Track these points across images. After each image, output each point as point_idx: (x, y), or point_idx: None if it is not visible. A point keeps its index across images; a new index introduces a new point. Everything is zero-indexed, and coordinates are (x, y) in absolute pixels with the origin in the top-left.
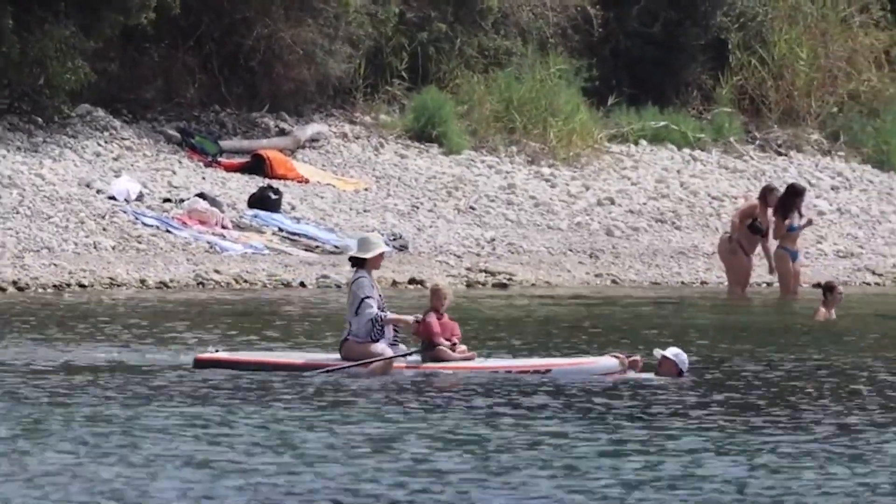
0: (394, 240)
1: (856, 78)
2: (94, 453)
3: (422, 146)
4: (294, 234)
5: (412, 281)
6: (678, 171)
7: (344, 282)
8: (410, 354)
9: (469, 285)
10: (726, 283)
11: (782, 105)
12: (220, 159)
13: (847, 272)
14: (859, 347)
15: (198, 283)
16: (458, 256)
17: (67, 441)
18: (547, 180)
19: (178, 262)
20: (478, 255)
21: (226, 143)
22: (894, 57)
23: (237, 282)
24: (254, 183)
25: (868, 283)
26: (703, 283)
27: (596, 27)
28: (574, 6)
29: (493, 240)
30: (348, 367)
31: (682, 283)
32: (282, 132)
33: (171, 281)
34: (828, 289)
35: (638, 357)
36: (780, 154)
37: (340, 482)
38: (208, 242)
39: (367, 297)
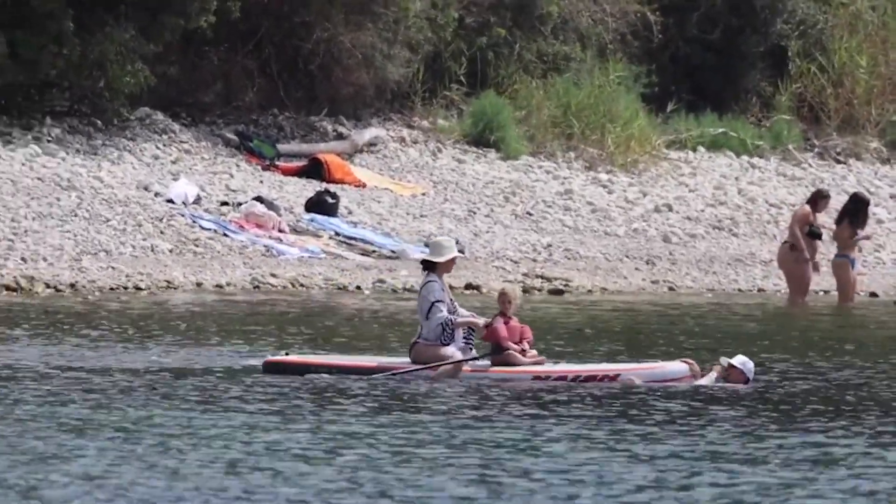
0: None
1: None
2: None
3: (479, 151)
4: (351, 238)
5: (468, 286)
6: (736, 179)
7: (401, 286)
8: (480, 358)
9: (525, 291)
10: (786, 292)
11: (841, 113)
12: (277, 163)
13: None
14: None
15: (254, 287)
16: (515, 262)
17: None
18: (604, 186)
19: (234, 266)
20: (534, 260)
21: (283, 147)
22: None
23: (293, 285)
24: (311, 187)
25: None
26: (760, 290)
27: (655, 33)
28: (634, 12)
29: (550, 245)
30: (418, 369)
31: (739, 290)
32: (339, 136)
33: (228, 284)
34: None
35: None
36: (838, 162)
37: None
38: (265, 246)
39: (438, 301)
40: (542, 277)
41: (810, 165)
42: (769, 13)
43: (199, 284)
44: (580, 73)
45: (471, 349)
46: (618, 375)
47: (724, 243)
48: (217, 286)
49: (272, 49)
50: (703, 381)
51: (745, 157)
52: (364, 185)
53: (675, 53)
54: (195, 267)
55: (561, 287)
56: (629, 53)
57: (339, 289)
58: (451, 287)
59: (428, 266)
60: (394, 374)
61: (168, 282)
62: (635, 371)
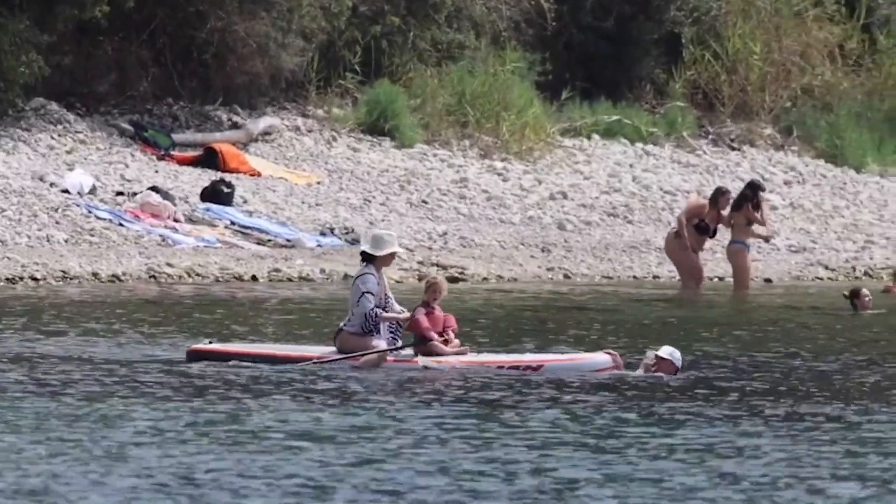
0: (346, 233)
1: (809, 72)
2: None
3: (374, 140)
4: (246, 227)
5: None
6: (631, 166)
7: (296, 275)
8: (403, 348)
9: (421, 279)
10: (679, 279)
11: (735, 100)
12: (172, 153)
13: (799, 267)
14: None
15: (150, 277)
16: (411, 250)
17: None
18: (499, 174)
19: (130, 256)
20: (430, 248)
21: (178, 137)
22: (848, 51)
23: (189, 275)
24: (206, 176)
25: (821, 278)
26: (655, 277)
27: (549, 21)
28: (528, 0)
29: (445, 233)
30: (342, 359)
31: (634, 277)
32: (234, 125)
33: (124, 274)
34: (853, 295)
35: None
36: (733, 149)
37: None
38: (161, 236)
39: (368, 293)
40: (437, 265)
41: (704, 152)
42: (663, 1)
43: (95, 275)
44: (474, 62)
45: (395, 339)
46: (541, 366)
47: (619, 230)
48: (113, 276)
49: (166, 39)
50: (628, 372)
51: (639, 145)
52: (259, 175)
53: (570, 41)
54: (91, 257)
55: (456, 275)
56: (523, 41)
57: (235, 278)
58: (346, 276)
59: (367, 258)
60: (317, 363)
61: (64, 272)
62: (559, 362)
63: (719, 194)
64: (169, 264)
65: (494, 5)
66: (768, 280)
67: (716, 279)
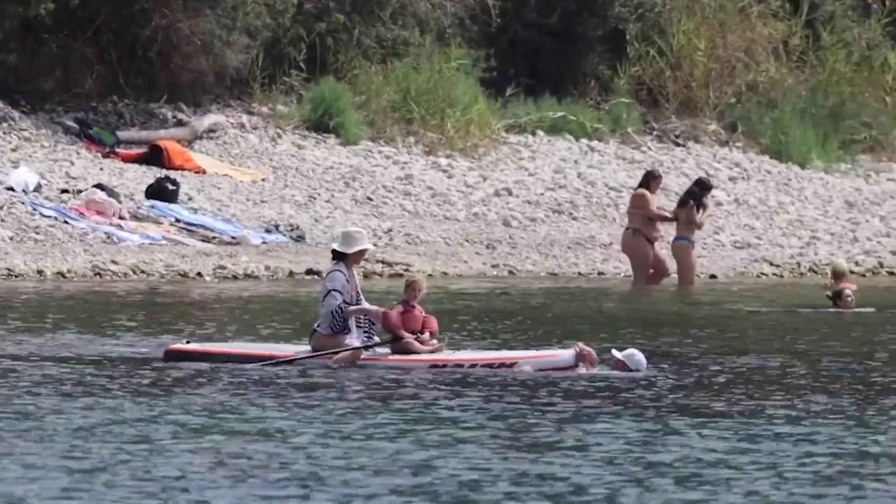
0: (291, 230)
1: (754, 68)
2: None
3: (319, 137)
4: (191, 224)
5: (309, 272)
6: (575, 162)
7: (241, 272)
8: (379, 346)
9: (366, 276)
10: (629, 275)
11: (680, 96)
12: (117, 150)
13: (744, 263)
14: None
15: (95, 274)
16: None
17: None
18: (444, 171)
19: (75, 253)
20: (375, 245)
21: (123, 134)
22: (792, 47)
23: (134, 272)
24: (151, 174)
25: (765, 274)
26: (600, 273)
27: (494, 18)
28: None
29: (391, 230)
30: (316, 356)
31: (580, 273)
32: (179, 123)
33: (69, 271)
34: (836, 295)
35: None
36: (677, 145)
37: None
38: (106, 233)
39: (335, 290)
40: (382, 262)
41: (649, 148)
42: None
43: (40, 272)
44: (419, 58)
45: (369, 338)
46: (514, 363)
47: (564, 227)
48: (58, 273)
49: (111, 36)
50: (589, 370)
51: (584, 141)
52: (204, 172)
53: (514, 37)
54: (36, 254)
55: (401, 272)
56: (468, 38)
57: (181, 275)
58: (291, 273)
59: (337, 256)
60: (292, 362)
61: (9, 269)
62: (530, 359)
63: (651, 177)
64: (114, 262)
65: (439, 2)
66: (713, 276)
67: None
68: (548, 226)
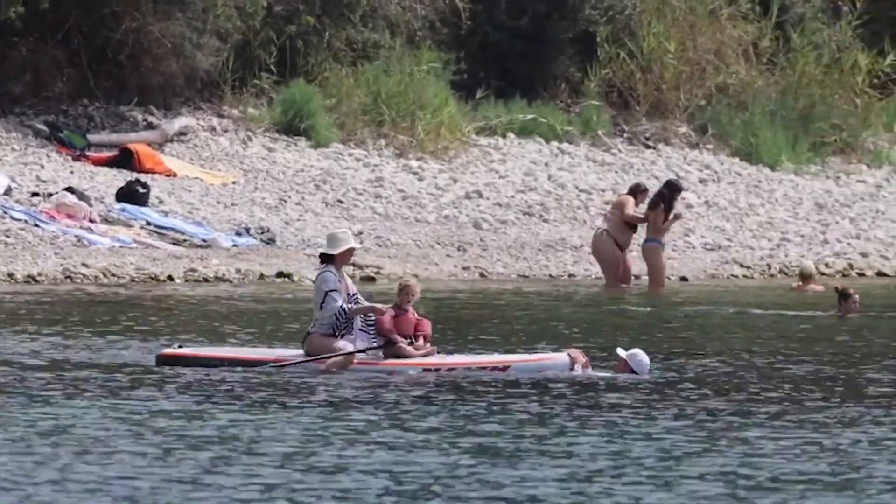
0: (261, 233)
1: (724, 71)
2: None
3: (290, 139)
4: (162, 227)
5: (280, 274)
6: (546, 164)
7: (212, 275)
8: (372, 349)
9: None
10: (598, 278)
11: (650, 98)
12: (88, 153)
13: (715, 265)
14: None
15: (66, 277)
16: None
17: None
18: (415, 173)
19: (46, 256)
20: (361, 243)
21: (94, 137)
22: (762, 49)
23: (105, 275)
24: (122, 177)
25: (736, 276)
26: (570, 275)
27: (464, 20)
28: None
29: (361, 233)
30: (308, 361)
31: (550, 276)
32: (150, 126)
33: (40, 275)
34: (843, 296)
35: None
36: (648, 147)
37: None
38: (76, 236)
39: (332, 291)
40: (353, 265)
41: (620, 151)
42: None
43: (10, 275)
44: (390, 61)
45: (375, 339)
46: (507, 367)
47: (535, 229)
48: (28, 276)
49: (81, 39)
50: (586, 372)
51: (554, 143)
52: (174, 175)
53: (484, 40)
54: (6, 258)
55: (372, 274)
56: (438, 40)
57: (151, 278)
58: (262, 276)
59: (324, 258)
60: (284, 366)
61: None
62: (525, 363)
63: (639, 190)
64: (85, 265)
65: (409, 5)
66: (684, 278)
67: (632, 277)
68: (518, 228)
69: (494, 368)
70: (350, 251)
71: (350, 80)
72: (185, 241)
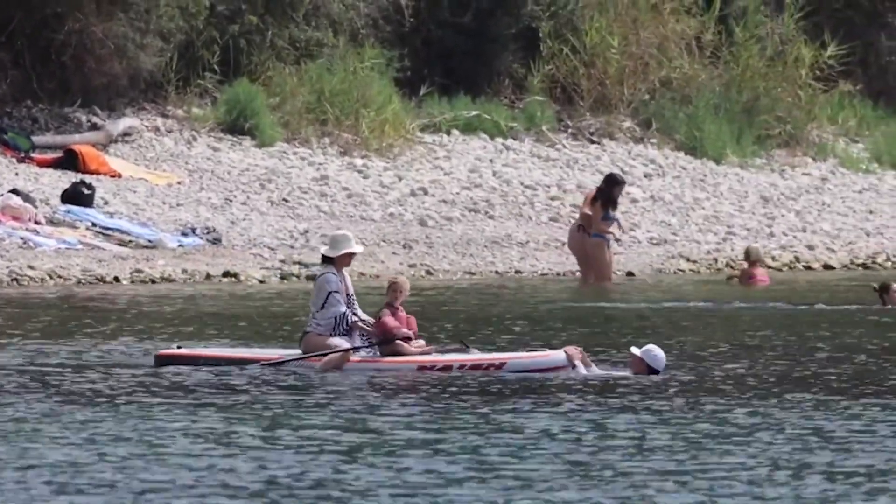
0: (207, 233)
1: (667, 65)
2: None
3: (234, 139)
4: (107, 228)
5: (226, 274)
6: (491, 161)
7: (158, 275)
8: (367, 348)
9: (283, 278)
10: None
11: (594, 93)
12: (32, 155)
13: (661, 259)
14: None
15: (12, 279)
16: (272, 249)
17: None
18: (360, 171)
19: None
20: (291, 247)
21: (38, 139)
22: (705, 43)
23: (51, 277)
24: (66, 178)
25: (682, 270)
26: (517, 272)
27: (407, 17)
28: None
29: (307, 231)
30: (303, 358)
31: (497, 272)
32: (94, 127)
33: None
34: (883, 289)
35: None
36: (592, 142)
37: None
38: (22, 238)
39: (335, 292)
40: (299, 264)
41: (564, 146)
42: None
43: None
44: (333, 59)
45: (370, 346)
46: (503, 364)
47: (481, 226)
48: None
49: (24, 41)
50: (591, 370)
51: (499, 140)
52: (119, 176)
53: (428, 37)
54: None
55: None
56: (381, 38)
57: (97, 279)
58: (209, 276)
59: (326, 260)
60: (281, 364)
61: None
62: (520, 360)
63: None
64: (31, 267)
65: (352, 3)
66: (630, 273)
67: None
68: (464, 225)
69: (490, 366)
70: (351, 255)
71: (294, 79)
72: (130, 242)
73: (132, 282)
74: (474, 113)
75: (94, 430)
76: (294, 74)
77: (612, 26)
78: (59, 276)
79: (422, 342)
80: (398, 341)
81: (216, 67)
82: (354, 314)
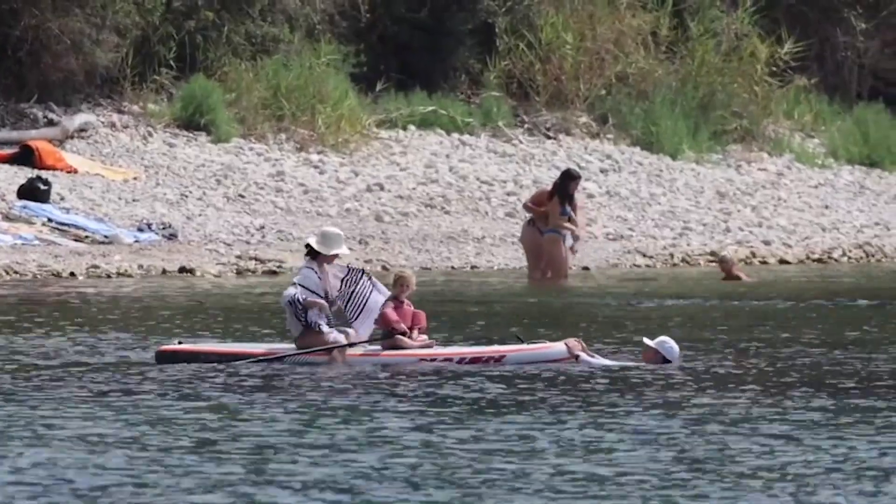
0: (163, 229)
1: (623, 60)
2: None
3: (190, 135)
4: (63, 224)
5: (182, 270)
6: (447, 156)
7: (115, 270)
8: (369, 343)
9: (239, 273)
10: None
11: (550, 88)
12: None
13: (617, 255)
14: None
15: None
16: (228, 244)
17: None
18: (316, 167)
19: None
20: (247, 242)
21: None
22: (661, 38)
23: (7, 273)
24: (22, 174)
25: (638, 266)
26: (473, 267)
27: (363, 13)
28: None
29: (263, 227)
30: (304, 353)
31: (453, 268)
32: (50, 123)
33: None
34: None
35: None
36: (549, 137)
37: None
38: None
39: (297, 283)
40: (255, 259)
41: (520, 142)
42: None
43: None
44: (289, 55)
45: (345, 331)
46: (503, 357)
47: (437, 221)
48: None
49: None
50: (596, 360)
51: (455, 135)
52: (76, 171)
53: (384, 33)
54: None
55: (275, 269)
56: (338, 34)
57: (54, 275)
58: (164, 271)
59: (311, 253)
60: (282, 359)
61: None
62: (521, 352)
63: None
64: None
65: None
66: (586, 268)
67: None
68: (420, 220)
69: (490, 359)
70: (334, 257)
71: (250, 75)
72: (87, 237)
73: (88, 277)
74: (430, 108)
75: (90, 429)
76: (250, 70)
77: (568, 22)
78: (16, 272)
79: (424, 337)
80: (398, 336)
81: (172, 63)
82: (331, 306)
